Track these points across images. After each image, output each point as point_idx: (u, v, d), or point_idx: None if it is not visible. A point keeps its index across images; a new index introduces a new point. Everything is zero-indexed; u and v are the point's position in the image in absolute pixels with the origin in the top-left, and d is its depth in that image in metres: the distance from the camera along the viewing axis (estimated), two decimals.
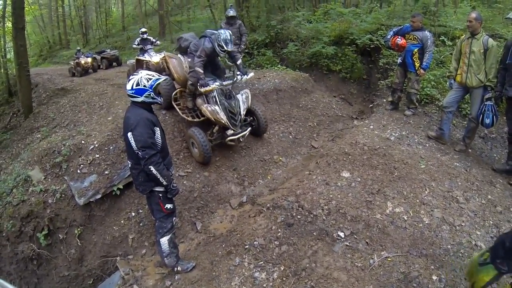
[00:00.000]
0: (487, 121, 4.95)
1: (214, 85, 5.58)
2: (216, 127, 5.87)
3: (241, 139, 5.87)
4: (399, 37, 5.97)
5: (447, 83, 5.69)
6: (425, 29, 6.01)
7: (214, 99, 5.68)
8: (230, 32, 5.66)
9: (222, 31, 5.58)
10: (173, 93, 6.39)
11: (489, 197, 4.35)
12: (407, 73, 6.19)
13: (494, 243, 1.40)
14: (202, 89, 5.53)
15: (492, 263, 1.38)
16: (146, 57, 9.68)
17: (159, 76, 3.53)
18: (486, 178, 4.83)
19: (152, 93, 3.40)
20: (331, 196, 4.09)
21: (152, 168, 3.28)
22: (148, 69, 8.87)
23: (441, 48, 7.86)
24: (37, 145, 6.48)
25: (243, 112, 5.88)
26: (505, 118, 5.33)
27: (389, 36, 6.16)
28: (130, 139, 3.25)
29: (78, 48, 17.90)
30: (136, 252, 4.74)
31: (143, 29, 10.87)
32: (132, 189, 5.25)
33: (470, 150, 5.50)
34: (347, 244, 3.45)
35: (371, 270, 3.15)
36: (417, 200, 4.09)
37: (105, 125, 6.46)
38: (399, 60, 6.30)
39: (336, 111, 7.93)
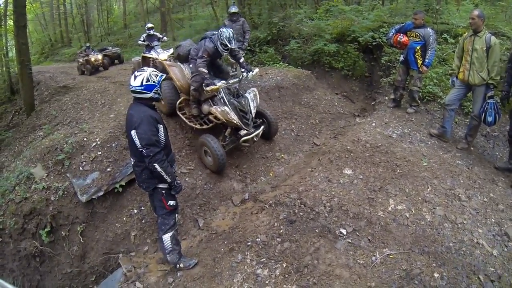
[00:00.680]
0: (490, 119, 4.95)
1: (220, 83, 5.43)
2: (228, 130, 5.67)
3: (255, 139, 5.67)
4: (401, 34, 5.96)
5: (450, 81, 5.67)
6: (427, 27, 5.99)
7: (222, 100, 5.50)
8: (232, 30, 5.54)
9: (223, 29, 5.47)
10: (178, 102, 6.19)
11: (491, 195, 4.35)
12: (409, 70, 6.18)
13: None
14: (208, 88, 5.28)
15: None
16: (153, 54, 9.31)
17: (162, 73, 3.56)
18: (488, 176, 4.83)
19: (159, 89, 3.45)
20: (333, 193, 4.09)
21: (156, 166, 3.28)
22: (155, 66, 8.60)
23: (444, 46, 7.84)
24: (39, 143, 6.49)
25: (253, 111, 5.69)
26: (507, 116, 5.32)
27: (391, 34, 6.15)
28: (133, 137, 3.25)
29: (88, 44, 16.49)
30: (138, 249, 4.75)
31: (150, 25, 10.35)
32: (134, 186, 5.25)
33: (472, 148, 5.49)
34: (349, 241, 3.45)
35: (373, 267, 3.16)
36: (419, 198, 4.09)
37: (107, 122, 6.47)
38: (401, 58, 6.29)
39: (338, 109, 7.92)
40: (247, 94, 5.76)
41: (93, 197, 5.08)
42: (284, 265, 3.29)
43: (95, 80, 11.89)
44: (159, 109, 6.27)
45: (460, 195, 4.20)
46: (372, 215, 3.76)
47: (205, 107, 5.73)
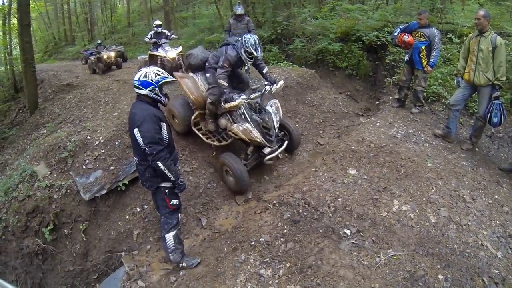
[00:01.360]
0: (495, 120, 4.91)
1: (240, 99, 4.94)
2: (250, 148, 5.24)
3: (279, 156, 5.37)
4: (406, 34, 5.93)
5: (455, 81, 5.64)
6: (432, 26, 5.96)
7: (243, 116, 5.08)
8: (256, 36, 5.17)
9: (248, 35, 5.08)
10: (192, 117, 5.73)
11: (496, 196, 4.32)
12: (414, 70, 6.15)
13: None
14: (227, 105, 4.85)
15: None
16: (160, 52, 8.93)
17: (169, 75, 3.49)
18: (493, 177, 4.80)
19: (157, 89, 3.37)
20: (338, 193, 4.07)
21: (160, 164, 3.27)
22: (163, 65, 8.58)
23: (448, 46, 7.80)
24: (42, 141, 6.50)
25: (277, 126, 5.25)
26: None
27: (396, 33, 6.12)
28: (136, 135, 3.23)
29: (99, 41, 15.37)
30: (141, 248, 4.75)
31: (158, 22, 9.80)
32: (137, 184, 5.25)
33: (477, 149, 5.46)
34: (354, 241, 3.43)
35: (377, 268, 3.14)
36: (424, 199, 4.06)
37: (111, 120, 6.47)
38: (406, 58, 6.26)
39: (342, 108, 7.90)
40: (268, 107, 5.33)
41: (96, 195, 5.08)
42: (288, 266, 3.28)
43: (98, 78, 11.91)
44: (172, 128, 5.98)
45: (464, 197, 4.17)
46: (377, 215, 3.74)
47: (223, 122, 5.38)
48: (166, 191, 3.52)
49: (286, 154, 6.08)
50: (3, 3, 15.33)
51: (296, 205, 3.94)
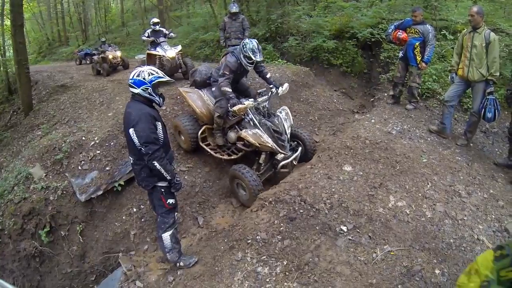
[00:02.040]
0: (489, 115, 4.93)
1: (249, 101, 4.85)
2: (262, 157, 4.99)
3: (294, 162, 5.08)
4: (400, 31, 5.94)
5: (449, 77, 5.65)
6: (426, 23, 5.97)
7: (251, 122, 4.91)
8: (256, 41, 5.03)
9: (247, 40, 4.97)
10: (199, 133, 5.54)
11: (491, 191, 4.34)
12: (408, 67, 6.16)
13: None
14: (235, 108, 4.67)
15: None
16: (159, 51, 8.60)
17: (164, 75, 3.43)
18: (488, 172, 4.82)
19: (150, 89, 3.33)
20: (333, 190, 4.08)
21: (155, 163, 3.26)
22: (162, 65, 8.37)
23: (443, 42, 7.82)
24: (37, 143, 6.47)
25: (288, 131, 5.06)
26: (506, 112, 5.30)
27: (390, 30, 6.13)
28: (132, 135, 3.21)
29: (103, 39, 13.93)
30: (138, 248, 4.75)
31: (155, 20, 9.31)
32: (134, 184, 5.25)
33: (471, 145, 5.48)
34: (350, 238, 3.44)
35: (374, 264, 3.15)
36: (419, 194, 4.08)
37: (106, 121, 6.45)
38: (400, 54, 6.27)
39: (337, 105, 7.91)
40: (278, 113, 5.17)
41: (92, 196, 5.08)
42: (285, 263, 3.29)
43: (93, 79, 11.84)
44: (179, 145, 5.99)
45: (460, 192, 4.19)
46: (373, 211, 3.75)
47: (232, 135, 5.24)
48: (162, 190, 3.52)
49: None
50: None
51: (292, 203, 3.94)
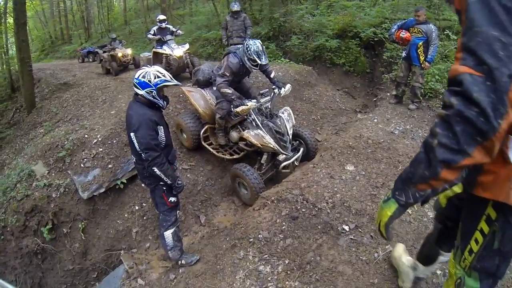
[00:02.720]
0: None
1: (252, 102, 4.74)
2: (264, 157, 5.01)
3: (296, 163, 5.06)
4: (404, 30, 5.93)
5: None
6: (429, 23, 5.96)
7: (253, 122, 4.87)
8: (260, 42, 4.85)
9: (250, 41, 4.75)
10: (202, 132, 5.54)
11: None
12: (411, 66, 6.15)
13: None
14: (239, 109, 4.63)
15: (393, 197, 1.40)
16: (166, 50, 8.28)
17: (171, 79, 3.31)
18: None
19: (155, 92, 3.22)
20: (336, 189, 4.08)
21: (155, 169, 3.23)
22: (169, 64, 8.18)
23: (446, 42, 7.80)
24: (40, 140, 6.49)
25: (290, 132, 5.04)
26: None
27: (393, 30, 6.12)
28: (133, 139, 3.17)
29: (113, 35, 13.01)
30: (140, 246, 4.76)
31: (162, 17, 8.89)
32: (136, 182, 5.26)
33: None
34: (352, 237, 3.44)
35: (376, 263, 3.14)
36: None
37: (108, 119, 6.46)
38: (403, 54, 6.26)
39: (340, 105, 7.90)
40: (280, 114, 5.13)
41: (95, 194, 5.09)
42: (287, 262, 3.28)
43: (95, 76, 11.88)
44: (181, 143, 5.99)
45: None
46: (375, 211, 3.74)
47: (234, 135, 5.21)
48: (164, 188, 3.51)
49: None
50: None
51: (294, 202, 3.94)
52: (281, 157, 4.89)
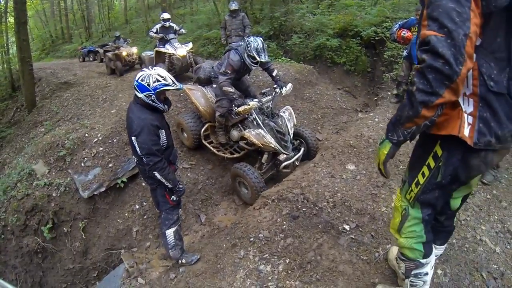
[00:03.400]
0: None
1: (253, 102, 4.71)
2: (265, 156, 4.97)
3: (296, 163, 5.01)
4: (405, 30, 5.91)
5: None
6: None
7: (254, 122, 4.83)
8: (261, 39, 4.84)
9: (251, 38, 4.75)
10: (202, 130, 5.53)
11: (494, 192, 4.31)
12: (412, 65, 6.14)
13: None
14: (240, 109, 4.62)
15: (387, 138, 1.75)
16: (168, 49, 8.11)
17: (172, 83, 3.21)
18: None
19: (154, 96, 3.13)
20: (336, 188, 4.07)
21: (156, 174, 3.22)
22: (172, 64, 8.10)
23: None
24: (40, 139, 6.49)
25: (291, 131, 5.03)
26: None
27: (394, 29, 6.10)
28: (134, 143, 3.13)
29: (117, 33, 12.60)
30: (140, 245, 4.75)
31: (166, 15, 8.62)
32: (136, 181, 5.25)
33: None
34: (353, 237, 3.43)
35: (377, 263, 3.14)
36: None
37: (109, 118, 6.46)
38: (404, 53, 6.25)
39: (341, 104, 7.89)
40: (281, 113, 5.11)
41: (95, 193, 5.09)
42: (287, 261, 3.28)
43: (96, 76, 11.88)
44: (182, 142, 5.98)
45: None
46: (376, 211, 3.73)
47: (235, 133, 5.18)
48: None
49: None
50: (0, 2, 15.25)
51: (295, 201, 3.93)
52: (281, 156, 4.86)
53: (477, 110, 1.60)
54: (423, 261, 2.16)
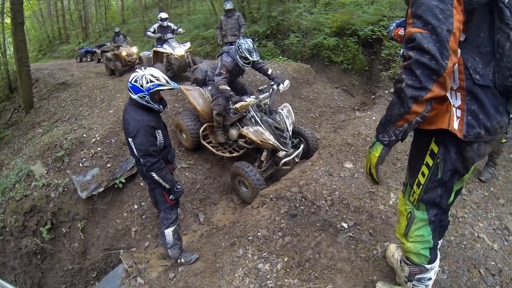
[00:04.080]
0: None
1: (251, 98, 4.74)
2: (264, 154, 4.97)
3: (296, 160, 5.03)
4: (402, 28, 5.92)
5: None
6: None
7: (253, 119, 4.85)
8: (251, 40, 4.97)
9: (241, 40, 4.89)
10: (200, 130, 5.53)
11: (492, 189, 4.33)
12: None
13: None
14: (238, 105, 4.61)
15: (377, 140, 1.74)
16: (166, 49, 8.08)
17: (166, 83, 3.18)
18: None
19: (148, 97, 3.12)
20: (334, 187, 4.08)
21: (154, 175, 3.21)
22: (170, 63, 8.07)
23: None
24: (38, 140, 6.48)
25: (290, 128, 5.01)
26: None
27: (392, 28, 6.11)
28: (131, 144, 3.13)
29: (117, 29, 12.31)
30: (139, 245, 4.76)
31: (164, 15, 8.53)
32: (135, 181, 5.26)
33: None
34: (351, 235, 3.44)
35: (375, 261, 3.15)
36: None
37: (107, 118, 6.46)
38: (401, 51, 6.25)
39: (338, 102, 7.90)
40: (280, 110, 5.11)
41: (93, 193, 5.08)
42: (286, 259, 3.29)
43: (93, 76, 11.86)
44: (180, 142, 5.98)
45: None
46: (373, 208, 3.75)
47: (233, 132, 5.16)
48: None
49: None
50: None
51: (293, 199, 3.94)
52: (281, 153, 4.86)
53: (464, 104, 1.64)
54: (428, 266, 2.16)
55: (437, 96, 1.51)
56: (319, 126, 6.95)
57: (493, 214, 3.86)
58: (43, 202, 5.05)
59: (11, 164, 6.37)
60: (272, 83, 5.22)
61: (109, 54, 11.16)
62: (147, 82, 3.08)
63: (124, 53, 10.60)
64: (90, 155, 5.45)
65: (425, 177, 1.89)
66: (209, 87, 5.34)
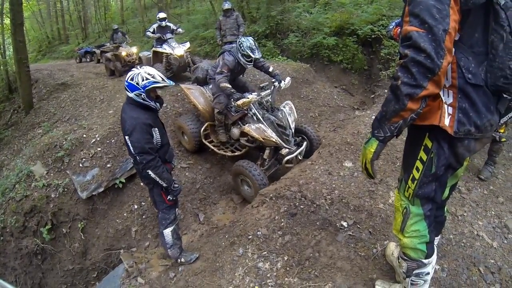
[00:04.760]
0: None
1: (252, 95, 4.72)
2: (267, 152, 4.91)
3: (299, 157, 4.94)
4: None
5: None
6: None
7: (254, 117, 4.82)
8: (252, 38, 4.98)
9: (243, 38, 4.89)
10: (202, 130, 5.50)
11: (491, 187, 4.33)
12: None
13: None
14: (240, 102, 4.56)
15: (373, 136, 1.77)
16: (166, 49, 8.06)
17: (162, 80, 3.19)
18: None
19: (144, 94, 3.13)
20: (334, 186, 4.08)
21: (150, 172, 3.20)
22: (169, 64, 8.05)
23: None
24: (38, 140, 6.49)
25: (292, 125, 5.00)
26: None
27: (391, 27, 6.06)
28: (128, 142, 3.14)
29: (115, 26, 12.14)
30: (139, 245, 4.76)
31: (162, 15, 8.52)
32: (134, 181, 5.26)
33: None
34: (350, 233, 3.44)
35: (375, 259, 3.16)
36: None
37: (106, 118, 6.46)
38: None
39: (338, 102, 7.91)
40: (282, 107, 5.10)
41: (94, 193, 5.09)
42: (286, 258, 3.29)
43: (93, 76, 11.85)
44: (180, 142, 5.97)
45: (460, 187, 4.18)
46: (373, 207, 3.75)
47: (235, 131, 5.12)
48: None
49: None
50: None
51: (292, 198, 3.94)
52: (284, 151, 4.80)
53: (456, 101, 1.68)
54: (425, 261, 2.18)
55: (431, 94, 1.54)
56: (319, 126, 6.96)
57: (493, 213, 3.87)
58: (43, 202, 5.06)
59: (11, 164, 6.38)
60: (274, 80, 5.21)
61: (108, 55, 11.11)
62: (143, 80, 3.10)
63: (123, 54, 10.52)
64: (90, 156, 5.45)
65: (420, 172, 1.92)
66: (210, 86, 5.33)
